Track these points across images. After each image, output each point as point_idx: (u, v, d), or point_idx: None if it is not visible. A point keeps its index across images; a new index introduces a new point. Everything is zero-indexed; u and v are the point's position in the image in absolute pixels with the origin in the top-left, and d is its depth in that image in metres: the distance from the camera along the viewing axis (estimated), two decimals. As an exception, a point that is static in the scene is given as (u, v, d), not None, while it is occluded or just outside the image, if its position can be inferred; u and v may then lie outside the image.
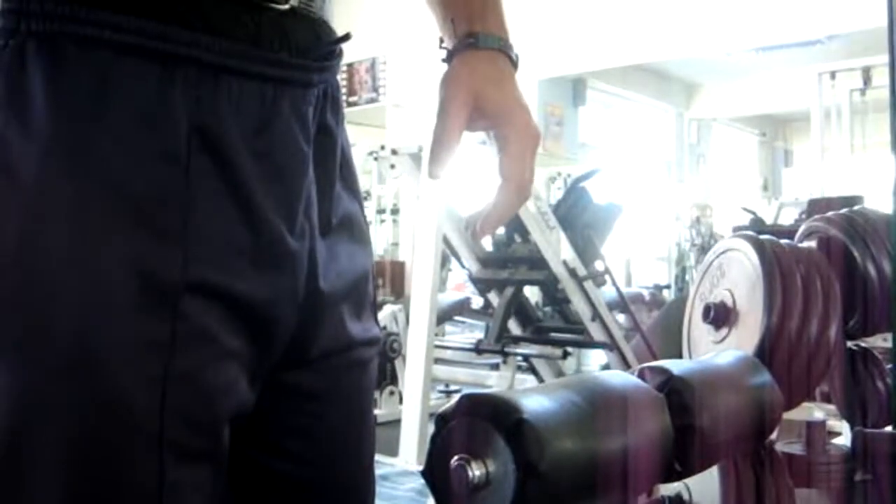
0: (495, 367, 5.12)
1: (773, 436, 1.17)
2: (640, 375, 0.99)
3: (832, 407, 1.32)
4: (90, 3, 0.63)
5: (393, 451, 3.58)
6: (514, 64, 0.84)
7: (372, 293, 0.85)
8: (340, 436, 0.79)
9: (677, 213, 10.07)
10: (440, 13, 0.85)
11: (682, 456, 0.95)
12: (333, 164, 0.78)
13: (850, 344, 1.29)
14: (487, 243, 4.34)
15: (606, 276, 4.41)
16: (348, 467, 0.83)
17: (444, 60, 0.83)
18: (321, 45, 0.75)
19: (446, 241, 3.99)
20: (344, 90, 6.88)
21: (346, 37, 0.77)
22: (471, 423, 0.82)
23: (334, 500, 0.81)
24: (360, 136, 7.53)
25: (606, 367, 4.43)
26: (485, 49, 0.81)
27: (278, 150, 0.70)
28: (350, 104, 8.03)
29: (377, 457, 3.74)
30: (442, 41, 0.84)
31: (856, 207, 1.39)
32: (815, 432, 1.20)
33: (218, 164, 0.66)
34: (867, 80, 6.34)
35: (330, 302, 0.77)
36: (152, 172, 0.64)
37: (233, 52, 0.66)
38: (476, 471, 0.80)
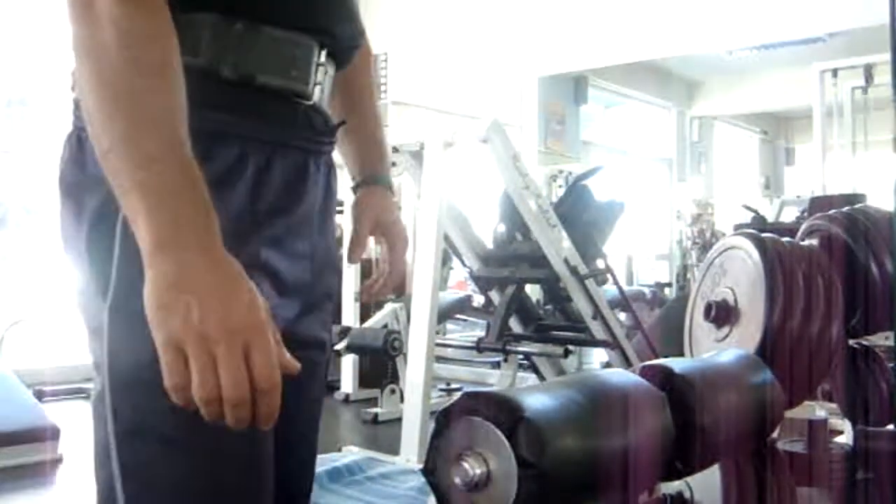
0: (496, 365, 5.12)
1: (775, 434, 1.17)
2: (642, 374, 0.99)
3: (834, 405, 1.32)
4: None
5: (394, 449, 3.58)
6: (393, 192, 1.32)
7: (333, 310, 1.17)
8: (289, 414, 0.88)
9: (679, 212, 10.06)
10: (350, 159, 1.30)
11: (683, 454, 0.95)
12: (331, 205, 1.10)
13: (851, 342, 1.28)
14: (489, 241, 4.34)
15: (608, 275, 4.41)
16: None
17: (352, 189, 1.30)
18: (328, 127, 1.07)
19: (447, 238, 3.99)
20: (345, 88, 6.84)
21: (343, 122, 1.11)
22: (472, 422, 0.82)
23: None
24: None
25: (608, 365, 4.43)
26: (380, 185, 1.30)
27: (306, 194, 1.02)
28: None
29: (379, 455, 3.72)
30: (353, 177, 1.30)
31: (857, 206, 1.39)
32: (817, 431, 1.20)
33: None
34: (869, 78, 6.32)
35: (315, 309, 1.09)
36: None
37: (282, 132, 0.99)
38: (477, 469, 0.80)
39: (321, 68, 1.00)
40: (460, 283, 7.01)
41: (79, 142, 0.92)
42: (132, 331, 0.79)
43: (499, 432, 0.78)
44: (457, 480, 0.79)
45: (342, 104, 1.22)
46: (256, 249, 0.93)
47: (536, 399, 0.82)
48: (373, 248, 1.32)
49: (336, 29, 1.03)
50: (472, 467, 0.78)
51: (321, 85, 1.01)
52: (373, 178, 1.29)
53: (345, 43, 1.06)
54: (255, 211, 0.93)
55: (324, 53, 1.00)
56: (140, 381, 0.82)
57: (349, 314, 5.36)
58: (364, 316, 5.28)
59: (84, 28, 0.79)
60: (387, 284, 1.29)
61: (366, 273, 5.03)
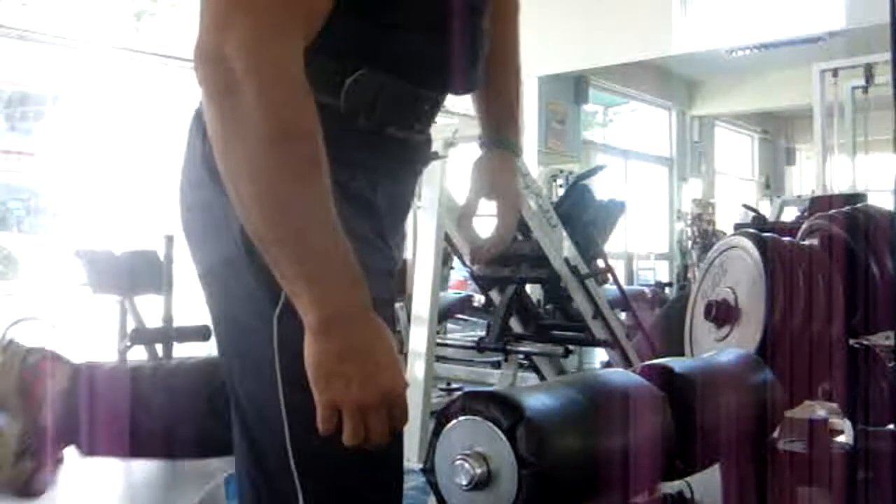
0: (497, 365, 5.12)
1: (775, 434, 1.17)
2: (642, 373, 0.99)
3: (834, 405, 1.32)
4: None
5: (395, 448, 3.58)
6: (518, 156, 1.33)
7: None
8: None
9: (679, 211, 10.06)
10: (482, 119, 1.31)
11: (683, 453, 0.95)
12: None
13: (852, 342, 1.28)
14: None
15: (608, 274, 4.41)
16: None
17: (479, 146, 1.31)
18: (430, 151, 1.17)
19: (448, 238, 3.98)
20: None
21: (437, 154, 1.20)
22: (472, 422, 0.82)
23: None
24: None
25: (608, 365, 4.42)
26: (505, 150, 1.29)
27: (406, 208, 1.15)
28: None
29: (379, 454, 3.72)
30: (481, 135, 1.31)
31: (858, 205, 1.39)
32: (817, 430, 1.20)
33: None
34: (869, 78, 6.31)
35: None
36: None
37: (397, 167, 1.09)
38: (477, 468, 0.80)
39: (439, 109, 1.09)
40: (460, 283, 7.01)
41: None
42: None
43: (499, 432, 0.78)
44: (457, 480, 0.79)
45: (489, 60, 1.20)
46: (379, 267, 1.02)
47: (537, 399, 0.82)
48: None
49: (464, 85, 1.12)
50: (473, 467, 0.78)
51: (435, 121, 1.11)
52: (499, 142, 1.28)
53: (468, 89, 1.16)
54: (379, 231, 1.04)
55: (444, 98, 1.09)
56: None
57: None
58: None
59: (229, 115, 0.83)
60: (490, 250, 1.30)
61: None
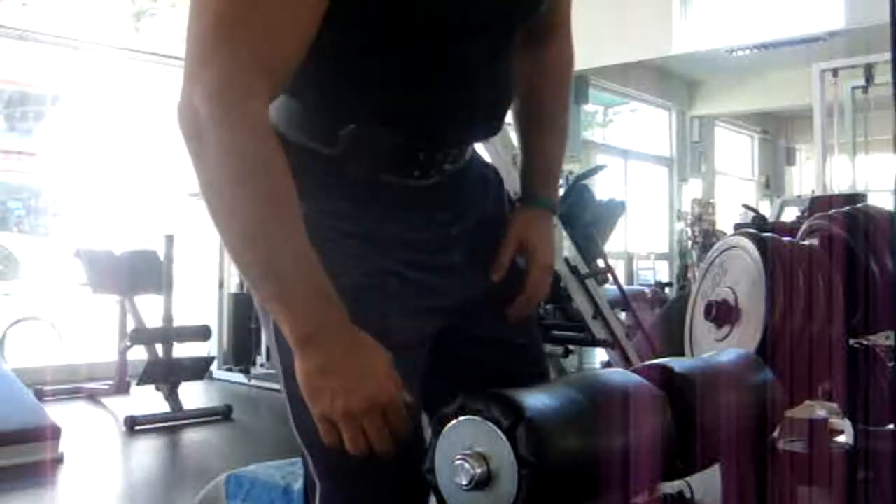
0: (497, 364, 5.11)
1: (775, 434, 1.17)
2: (642, 373, 0.99)
3: (834, 405, 1.32)
4: None
5: (395, 448, 3.58)
6: (554, 213, 1.32)
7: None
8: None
9: (679, 211, 10.05)
10: (522, 175, 1.31)
11: (683, 453, 0.95)
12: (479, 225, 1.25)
13: (852, 342, 1.28)
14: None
15: (608, 274, 4.41)
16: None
17: (516, 200, 1.30)
18: (453, 201, 1.19)
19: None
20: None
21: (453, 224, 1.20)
22: (472, 422, 0.82)
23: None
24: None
25: (608, 364, 4.42)
26: (538, 208, 1.28)
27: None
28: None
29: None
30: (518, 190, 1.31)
31: (858, 205, 1.39)
32: (817, 430, 1.20)
33: None
34: (869, 78, 6.31)
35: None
36: None
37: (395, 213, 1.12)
38: (477, 468, 0.80)
39: (445, 159, 1.11)
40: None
41: None
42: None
43: (499, 432, 0.78)
44: (457, 480, 0.79)
45: (525, 111, 1.27)
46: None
47: (537, 399, 0.82)
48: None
49: (465, 135, 1.15)
50: (473, 467, 0.78)
51: (444, 171, 1.12)
52: (533, 198, 1.29)
53: (473, 138, 1.18)
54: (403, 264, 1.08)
55: (447, 146, 1.11)
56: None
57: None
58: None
59: (198, 159, 0.90)
60: (521, 307, 1.24)
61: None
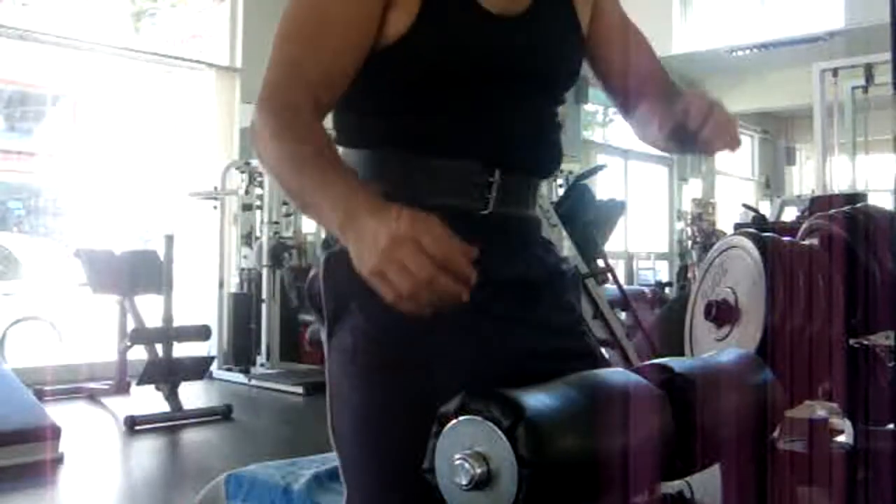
0: (497, 364, 5.11)
1: (775, 434, 1.17)
2: (642, 373, 0.99)
3: (834, 405, 1.32)
4: None
5: (395, 448, 3.57)
6: None
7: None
8: None
9: (679, 211, 10.06)
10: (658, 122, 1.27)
11: (683, 453, 0.95)
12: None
13: (852, 341, 1.28)
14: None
15: (608, 274, 4.41)
16: None
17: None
18: (514, 230, 1.27)
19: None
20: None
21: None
22: (472, 422, 0.82)
23: None
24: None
25: (608, 364, 4.42)
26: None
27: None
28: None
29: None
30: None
31: (858, 205, 1.39)
32: (818, 430, 1.20)
33: None
34: (869, 78, 6.31)
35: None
36: None
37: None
38: (477, 468, 0.80)
39: (494, 184, 1.17)
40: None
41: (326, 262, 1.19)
42: None
43: (499, 432, 0.78)
44: (457, 480, 0.79)
45: (632, 96, 1.35)
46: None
47: (536, 399, 0.82)
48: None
49: (514, 156, 1.20)
50: (473, 467, 0.78)
51: (497, 198, 1.18)
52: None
53: (528, 166, 1.24)
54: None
55: (498, 173, 1.17)
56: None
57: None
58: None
59: (258, 148, 1.10)
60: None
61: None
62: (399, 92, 1.17)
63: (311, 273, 1.23)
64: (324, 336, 1.23)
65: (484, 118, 1.18)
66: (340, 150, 1.18)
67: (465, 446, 0.80)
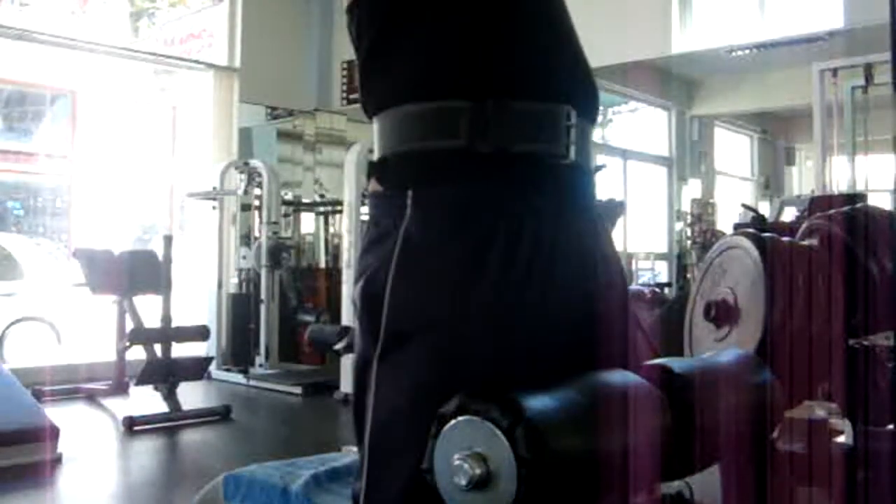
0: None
1: (775, 434, 1.16)
2: (642, 373, 0.98)
3: (834, 405, 1.32)
4: None
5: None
6: None
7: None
8: None
9: (678, 211, 10.05)
10: None
11: (683, 454, 0.95)
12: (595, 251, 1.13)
13: (851, 342, 1.28)
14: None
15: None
16: None
17: None
18: (590, 184, 1.15)
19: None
20: (345, 87, 6.77)
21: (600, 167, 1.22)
22: (471, 422, 0.82)
23: None
24: (360, 133, 7.53)
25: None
26: None
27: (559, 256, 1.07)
28: (351, 101, 8.03)
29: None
30: None
31: (857, 205, 1.38)
32: (817, 431, 1.19)
33: None
34: (869, 78, 6.30)
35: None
36: None
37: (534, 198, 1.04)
38: (477, 468, 0.80)
39: (573, 129, 1.03)
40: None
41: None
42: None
43: (498, 432, 0.78)
44: (457, 480, 0.79)
45: None
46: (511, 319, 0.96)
47: (536, 399, 0.82)
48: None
49: (579, 91, 1.08)
50: (473, 467, 0.78)
51: (576, 144, 1.04)
52: None
53: (589, 101, 1.10)
54: (508, 281, 0.96)
55: (573, 115, 1.04)
56: None
57: (349, 314, 5.36)
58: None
59: None
60: None
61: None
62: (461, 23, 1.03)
63: (365, 268, 1.01)
64: (368, 353, 1.01)
65: (551, 43, 1.07)
66: (381, 113, 1.05)
67: (464, 447, 0.79)
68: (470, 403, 0.81)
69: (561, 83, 1.06)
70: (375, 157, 1.06)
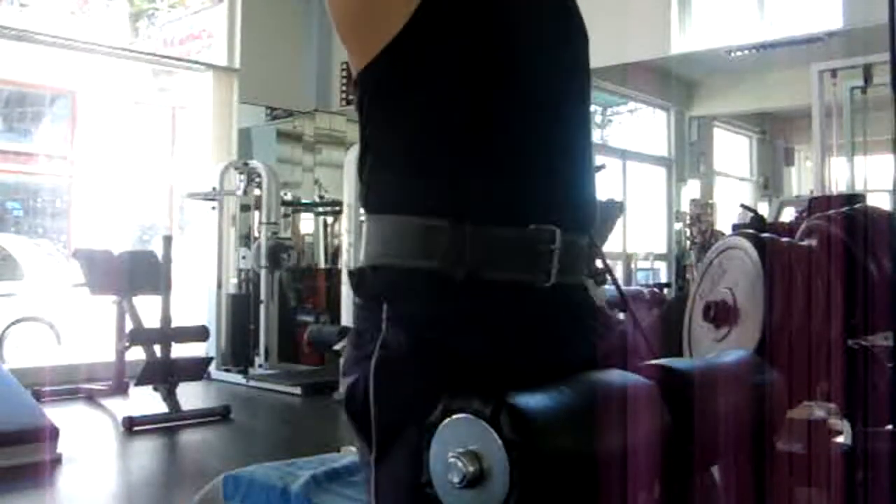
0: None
1: (775, 434, 1.16)
2: (641, 373, 0.98)
3: (833, 405, 1.32)
4: None
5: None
6: None
7: None
8: None
9: (678, 212, 10.05)
10: None
11: (682, 454, 0.95)
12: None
13: (850, 342, 1.28)
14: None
15: (606, 275, 4.39)
16: None
17: None
18: (581, 299, 1.14)
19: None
20: (344, 88, 6.75)
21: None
22: (457, 421, 0.82)
23: None
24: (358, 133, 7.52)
25: (607, 365, 4.41)
26: None
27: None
28: (350, 102, 8.03)
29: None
30: None
31: (856, 206, 1.39)
32: (816, 431, 1.20)
33: None
34: (868, 78, 6.30)
35: None
36: None
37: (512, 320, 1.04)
38: (470, 467, 0.80)
39: (556, 252, 1.01)
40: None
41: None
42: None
43: (492, 431, 0.78)
44: (451, 478, 0.79)
45: None
46: None
47: (532, 398, 0.81)
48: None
49: (570, 207, 1.05)
50: (466, 465, 0.78)
51: (560, 264, 1.01)
52: None
53: (582, 214, 1.07)
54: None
55: (557, 236, 1.01)
56: None
57: (348, 315, 5.36)
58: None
59: None
60: None
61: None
62: (448, 136, 1.01)
63: (349, 379, 1.02)
64: (366, 457, 1.02)
65: (542, 163, 1.03)
66: (371, 216, 1.04)
67: (455, 445, 0.80)
68: (452, 403, 0.81)
69: (547, 205, 1.03)
70: (360, 263, 1.05)
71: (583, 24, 1.13)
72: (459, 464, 0.78)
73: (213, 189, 6.95)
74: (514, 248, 0.99)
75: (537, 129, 1.03)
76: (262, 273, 6.65)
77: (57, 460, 3.91)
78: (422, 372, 0.96)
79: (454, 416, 0.80)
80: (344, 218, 6.19)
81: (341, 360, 1.05)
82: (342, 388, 1.04)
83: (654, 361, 1.00)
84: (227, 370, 6.61)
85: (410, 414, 0.91)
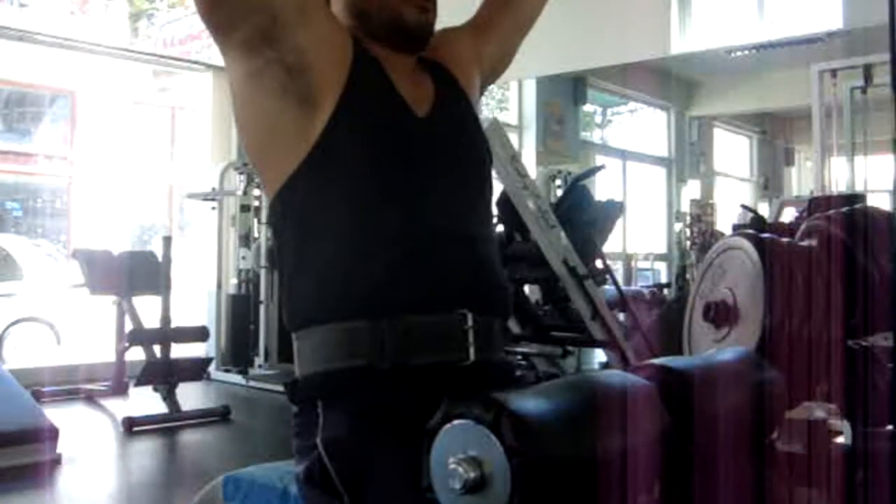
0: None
1: (775, 434, 1.16)
2: (640, 373, 0.98)
3: (833, 406, 1.32)
4: None
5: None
6: None
7: None
8: None
9: (678, 212, 10.05)
10: None
11: (682, 454, 0.95)
12: None
13: (850, 343, 1.28)
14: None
15: (606, 275, 4.40)
16: None
17: None
18: (501, 365, 1.22)
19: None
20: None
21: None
22: (466, 426, 0.82)
23: None
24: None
25: (606, 365, 4.42)
26: None
27: None
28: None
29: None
30: None
31: (856, 206, 1.39)
32: (816, 431, 1.19)
33: None
34: (868, 78, 6.30)
35: None
36: None
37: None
38: (471, 472, 0.79)
39: (470, 332, 1.09)
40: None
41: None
42: None
43: (484, 428, 0.78)
44: (452, 484, 0.79)
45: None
46: None
47: (531, 402, 0.81)
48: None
49: (478, 292, 1.13)
50: (467, 471, 0.78)
51: (477, 343, 1.10)
52: None
53: (491, 297, 1.15)
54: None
55: (469, 318, 1.10)
56: None
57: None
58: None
59: None
60: None
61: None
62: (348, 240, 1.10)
63: (302, 466, 1.10)
64: None
65: (446, 254, 1.12)
66: (298, 334, 1.12)
67: (456, 451, 0.79)
68: (453, 409, 0.81)
69: (456, 290, 1.11)
70: (294, 377, 1.12)
71: (469, 120, 1.25)
72: (460, 470, 0.78)
73: (213, 189, 6.95)
74: (431, 333, 1.08)
75: (434, 230, 1.12)
76: (262, 273, 6.65)
77: (56, 461, 3.90)
78: (365, 428, 1.04)
79: (455, 422, 0.80)
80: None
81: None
82: (300, 476, 1.11)
83: (652, 361, 1.00)
84: (226, 370, 6.61)
85: (368, 462, 1.02)
